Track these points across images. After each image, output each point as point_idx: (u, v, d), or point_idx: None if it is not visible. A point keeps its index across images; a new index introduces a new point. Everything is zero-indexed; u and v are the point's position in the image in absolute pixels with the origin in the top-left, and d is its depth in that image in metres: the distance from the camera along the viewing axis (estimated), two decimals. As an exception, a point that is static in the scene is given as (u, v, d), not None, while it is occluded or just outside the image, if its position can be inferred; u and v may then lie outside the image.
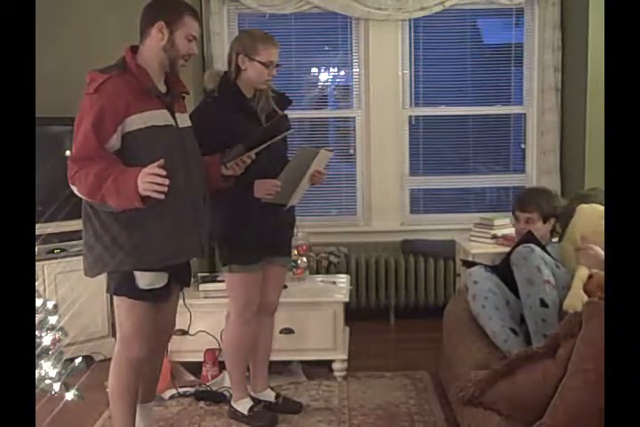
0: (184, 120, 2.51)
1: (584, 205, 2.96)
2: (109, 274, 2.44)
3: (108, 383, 2.54)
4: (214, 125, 2.70)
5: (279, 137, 2.68)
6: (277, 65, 2.83)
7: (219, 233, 2.88)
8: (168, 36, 2.38)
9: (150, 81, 2.38)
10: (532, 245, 2.75)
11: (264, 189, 2.73)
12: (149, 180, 2.18)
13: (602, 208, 2.84)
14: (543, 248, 2.82)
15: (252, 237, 2.82)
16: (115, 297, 2.47)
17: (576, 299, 2.52)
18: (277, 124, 2.74)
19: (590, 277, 2.60)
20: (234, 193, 2.75)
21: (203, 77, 3.01)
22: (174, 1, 2.46)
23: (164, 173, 2.19)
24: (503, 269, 2.83)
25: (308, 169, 2.79)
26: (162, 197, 2.20)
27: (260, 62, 2.77)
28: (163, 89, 2.45)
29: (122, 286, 2.41)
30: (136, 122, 2.31)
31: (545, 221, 3.08)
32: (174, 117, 2.44)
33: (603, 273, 2.59)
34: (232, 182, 2.68)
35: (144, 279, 2.40)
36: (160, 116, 2.39)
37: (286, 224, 2.98)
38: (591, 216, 2.85)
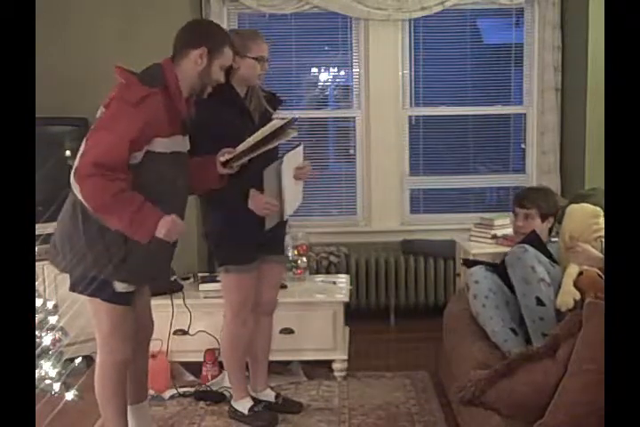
0: (187, 143, 2.53)
1: (574, 205, 2.98)
2: (81, 276, 2.38)
3: (95, 389, 2.52)
4: (209, 124, 2.69)
5: (284, 139, 2.68)
6: (267, 60, 2.84)
7: (213, 234, 2.88)
8: (207, 64, 2.37)
9: (185, 106, 2.38)
10: (525, 246, 2.76)
11: (258, 206, 2.72)
12: (176, 232, 2.30)
13: (591, 207, 2.87)
14: (544, 247, 2.83)
15: (245, 237, 2.82)
16: (90, 302, 2.42)
17: (567, 296, 2.53)
18: (284, 127, 2.71)
19: (581, 273, 2.61)
20: (226, 195, 2.75)
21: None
22: (219, 29, 2.47)
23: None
24: (502, 270, 2.84)
25: (282, 181, 2.74)
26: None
27: (252, 58, 2.78)
28: None
29: (97, 289, 2.37)
30: (160, 145, 2.31)
31: (543, 220, 3.09)
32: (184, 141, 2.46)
33: (593, 269, 2.61)
34: (226, 181, 2.68)
35: (122, 283, 2.39)
36: (181, 143, 2.42)
37: (279, 222, 2.96)
38: (580, 216, 2.87)
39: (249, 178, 2.71)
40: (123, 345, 2.47)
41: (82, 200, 2.28)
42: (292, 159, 2.82)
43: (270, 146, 2.65)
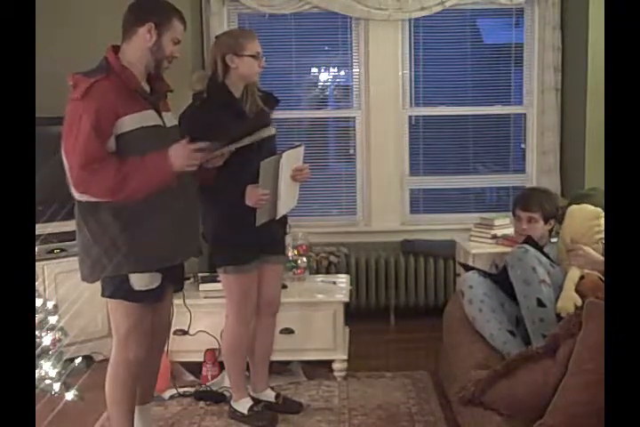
0: (170, 119, 2.53)
1: (575, 206, 2.97)
2: (103, 278, 2.41)
3: (106, 387, 2.52)
4: (204, 127, 2.69)
5: (260, 134, 2.68)
6: (263, 56, 2.85)
7: (210, 235, 2.88)
8: (156, 38, 2.37)
9: (137, 82, 2.38)
10: (525, 246, 2.75)
11: (253, 198, 2.72)
12: (188, 156, 2.30)
13: (592, 208, 2.86)
14: (541, 250, 2.82)
15: (242, 237, 2.81)
16: (110, 300, 2.45)
17: (568, 301, 2.52)
18: (256, 122, 2.72)
19: (582, 278, 2.60)
20: (222, 194, 2.76)
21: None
22: (164, 3, 2.46)
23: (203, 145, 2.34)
24: (501, 273, 2.83)
25: (279, 178, 2.73)
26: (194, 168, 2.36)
27: (249, 56, 2.79)
28: (146, 88, 2.45)
29: (117, 289, 2.39)
30: (127, 124, 2.31)
31: (546, 222, 3.10)
32: (161, 117, 2.45)
33: (594, 273, 2.60)
34: (213, 175, 2.67)
35: (139, 281, 2.39)
36: (149, 117, 2.39)
37: (277, 223, 2.91)
38: (581, 217, 2.86)
39: (245, 177, 2.71)
40: (138, 345, 2.47)
41: (98, 200, 2.31)
42: (292, 158, 2.81)
43: (248, 141, 2.62)
